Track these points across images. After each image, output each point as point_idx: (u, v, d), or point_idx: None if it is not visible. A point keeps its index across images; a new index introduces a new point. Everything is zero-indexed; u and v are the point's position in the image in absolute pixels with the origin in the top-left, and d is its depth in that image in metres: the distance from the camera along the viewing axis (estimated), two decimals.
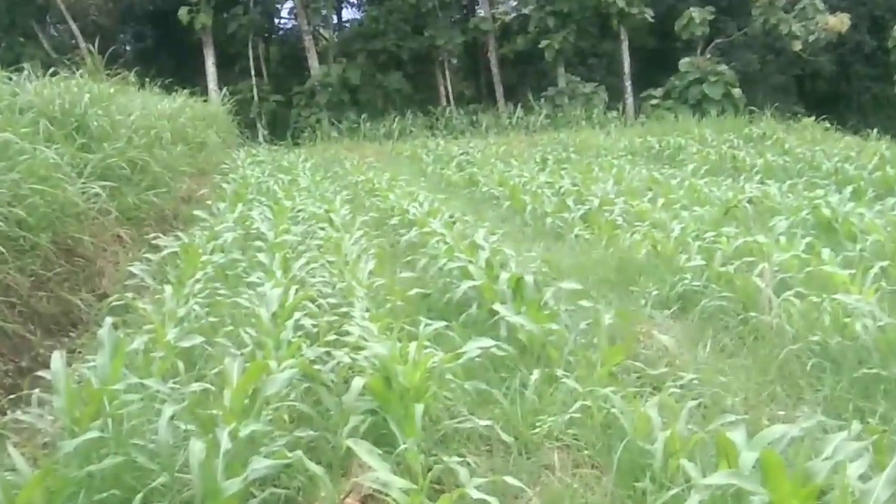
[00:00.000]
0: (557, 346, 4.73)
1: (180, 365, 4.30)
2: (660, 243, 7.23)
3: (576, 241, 8.32)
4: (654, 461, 3.32)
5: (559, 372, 4.38)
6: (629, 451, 3.48)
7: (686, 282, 6.11)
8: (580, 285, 5.76)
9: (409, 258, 7.37)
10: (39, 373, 4.06)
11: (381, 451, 3.41)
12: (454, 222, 8.64)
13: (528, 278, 5.52)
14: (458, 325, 5.14)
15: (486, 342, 4.37)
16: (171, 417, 3.42)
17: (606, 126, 24.06)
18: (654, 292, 6.14)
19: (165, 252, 6.96)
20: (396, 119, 26.35)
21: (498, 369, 4.59)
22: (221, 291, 5.77)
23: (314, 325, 4.92)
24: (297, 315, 4.86)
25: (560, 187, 11.30)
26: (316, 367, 4.17)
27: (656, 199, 9.84)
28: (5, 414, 4.08)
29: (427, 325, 4.64)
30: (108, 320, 4.10)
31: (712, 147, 16.41)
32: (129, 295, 5.67)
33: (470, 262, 6.14)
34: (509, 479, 3.10)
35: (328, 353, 4.32)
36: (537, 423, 3.99)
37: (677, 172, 13.45)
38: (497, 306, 5.15)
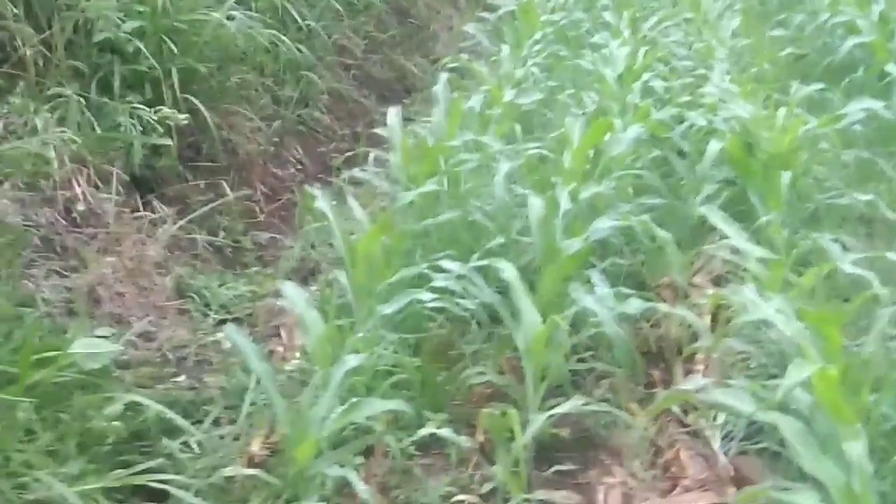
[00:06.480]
0: None
1: (517, 128, 4.45)
2: None
3: None
4: None
5: None
6: None
7: None
8: None
9: (783, 16, 6.95)
10: (376, 129, 4.42)
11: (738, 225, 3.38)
12: None
13: None
14: (838, 91, 4.85)
15: (873, 103, 4.11)
16: (510, 180, 3.62)
17: None
18: None
19: (501, 12, 7.09)
20: None
21: (887, 140, 4.32)
22: (562, 53, 5.81)
23: (665, 89, 4.86)
24: (646, 76, 4.82)
25: None
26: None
27: None
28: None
29: (800, 87, 4.44)
30: (444, 76, 4.33)
31: None
32: (464, 56, 5.90)
33: (859, 16, 5.68)
34: (893, 256, 2.96)
35: (681, 117, 4.28)
36: None
37: None
38: (891, 67, 4.80)
